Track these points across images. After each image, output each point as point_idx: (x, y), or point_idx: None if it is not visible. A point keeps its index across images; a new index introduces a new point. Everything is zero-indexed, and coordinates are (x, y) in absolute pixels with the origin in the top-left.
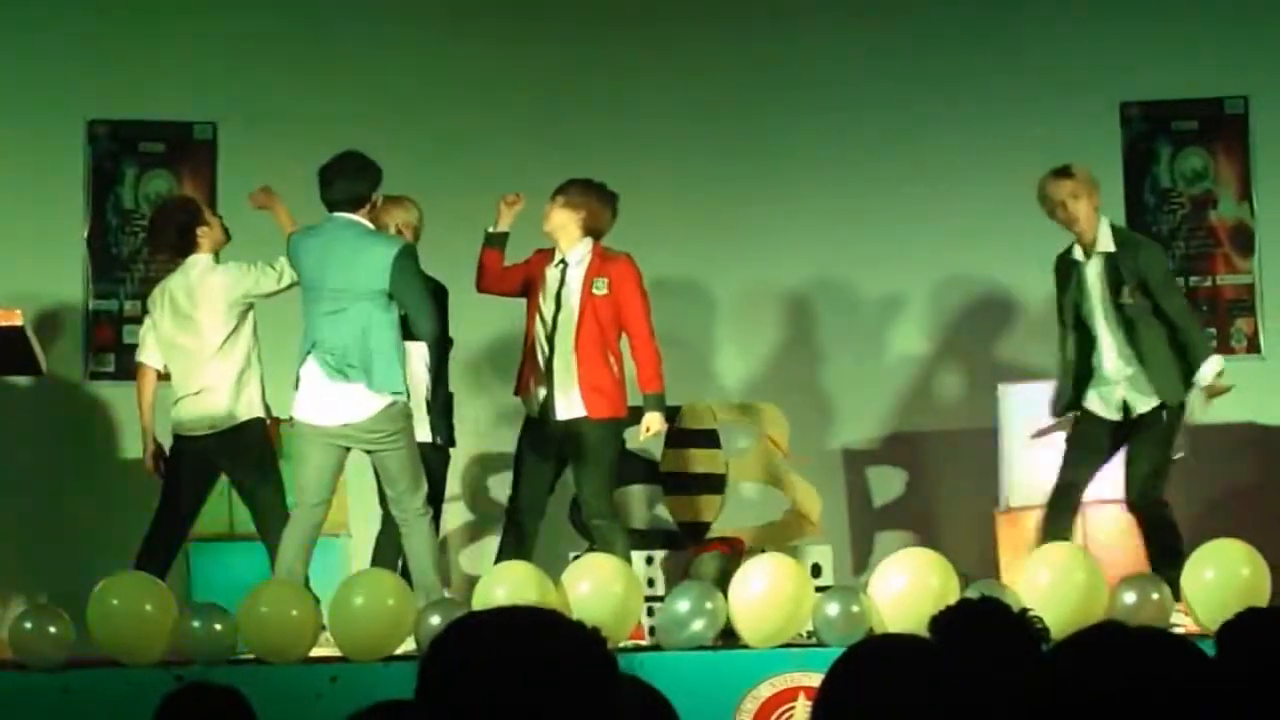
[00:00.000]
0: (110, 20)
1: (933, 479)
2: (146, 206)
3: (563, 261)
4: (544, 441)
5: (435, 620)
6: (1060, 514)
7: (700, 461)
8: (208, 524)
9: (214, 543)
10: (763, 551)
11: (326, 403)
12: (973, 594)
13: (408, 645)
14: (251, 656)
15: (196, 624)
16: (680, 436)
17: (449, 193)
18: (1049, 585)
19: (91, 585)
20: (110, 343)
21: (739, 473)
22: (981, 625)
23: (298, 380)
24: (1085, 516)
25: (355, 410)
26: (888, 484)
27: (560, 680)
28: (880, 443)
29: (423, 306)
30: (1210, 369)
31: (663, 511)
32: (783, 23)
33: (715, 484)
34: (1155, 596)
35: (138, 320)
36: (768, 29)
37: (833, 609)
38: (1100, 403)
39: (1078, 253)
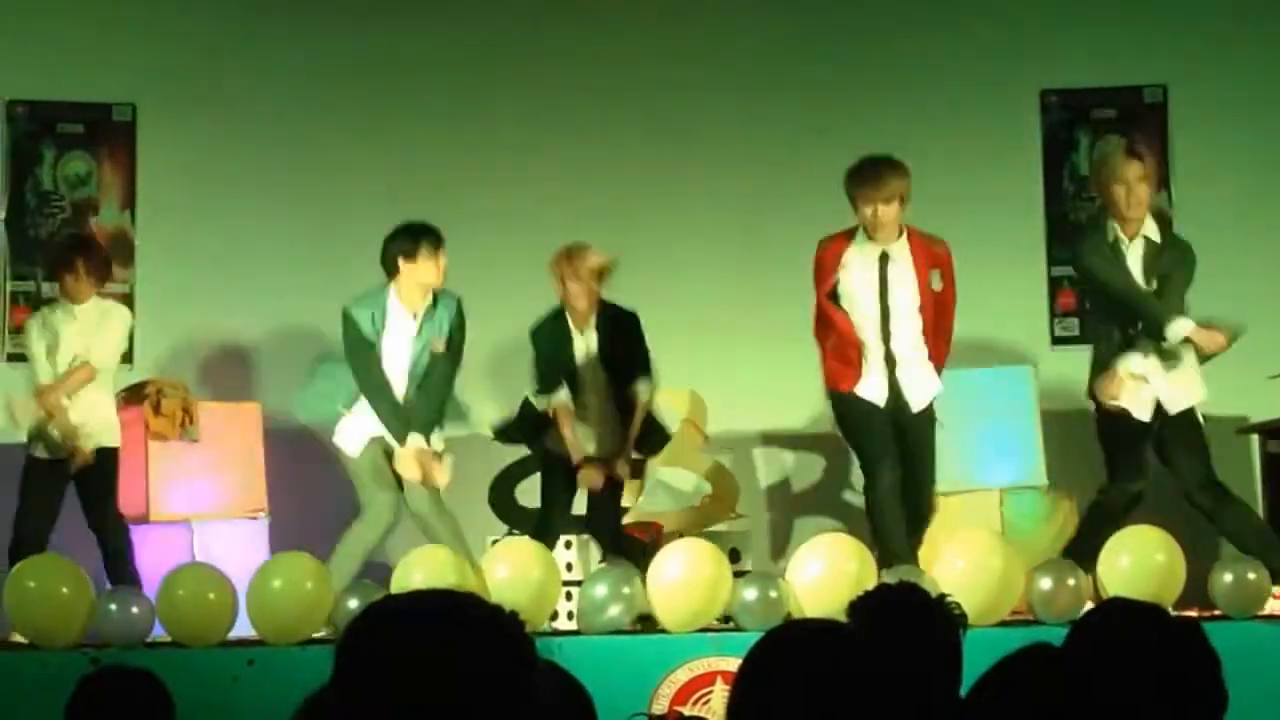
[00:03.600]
0: None
1: (852, 464)
2: (65, 188)
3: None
4: None
5: (353, 604)
6: None
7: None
8: (125, 507)
9: (131, 525)
10: (681, 536)
11: None
12: (891, 579)
13: (325, 629)
14: (168, 640)
15: (113, 607)
16: None
17: (371, 172)
18: (966, 571)
19: (7, 568)
20: None
21: (658, 457)
22: (899, 611)
23: None
24: (1004, 502)
25: None
26: (807, 469)
27: (477, 665)
28: (799, 428)
29: None
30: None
31: (580, 496)
32: (703, 8)
33: (633, 470)
34: (1071, 583)
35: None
36: (688, 11)
37: (751, 594)
38: None
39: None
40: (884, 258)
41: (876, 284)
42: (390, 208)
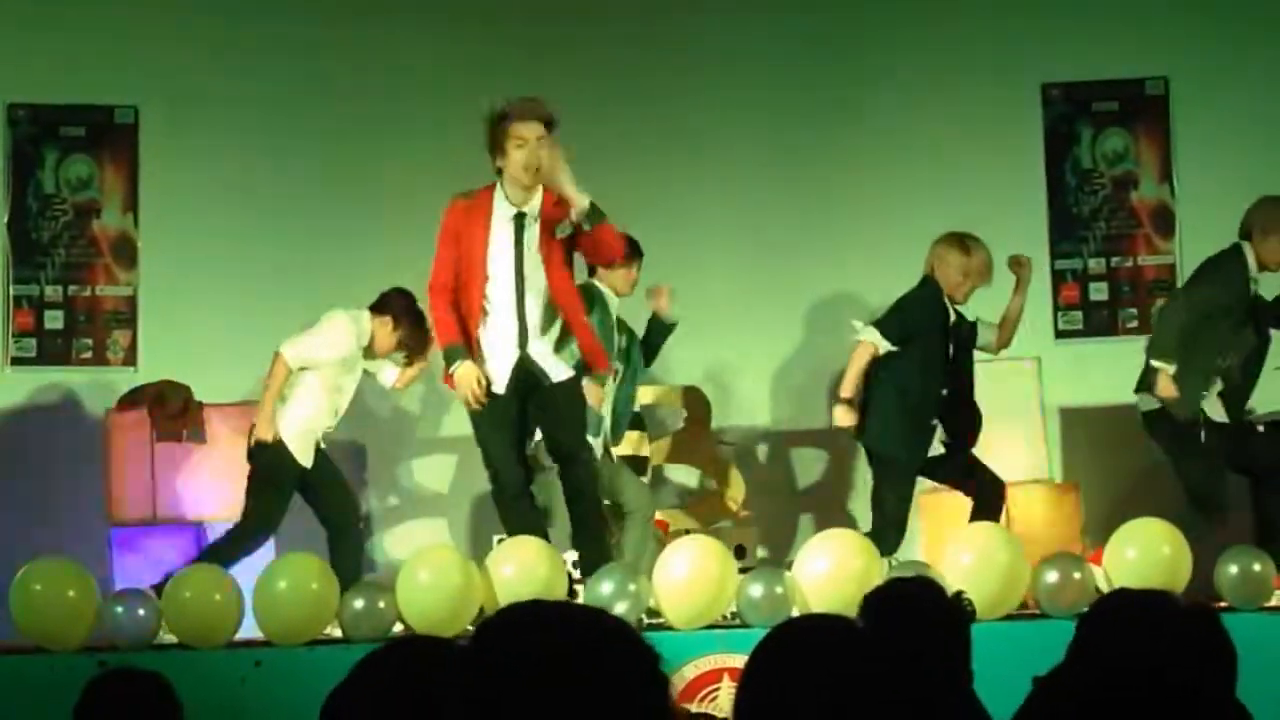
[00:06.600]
0: (30, 2)
1: (857, 461)
2: (67, 190)
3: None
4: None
5: (359, 604)
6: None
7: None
8: (131, 510)
9: (136, 528)
10: (687, 533)
11: None
12: (903, 573)
13: (332, 629)
14: (175, 641)
15: (119, 609)
16: None
17: (370, 176)
18: (972, 566)
19: (13, 572)
20: (30, 328)
21: (663, 455)
22: (914, 605)
23: None
24: (1008, 497)
25: None
26: (811, 466)
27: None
28: (804, 425)
29: None
30: None
31: None
32: (707, 8)
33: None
34: (1077, 576)
35: (58, 305)
36: (693, 12)
37: (756, 590)
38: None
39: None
40: (519, 218)
41: (512, 249)
42: (396, 210)
